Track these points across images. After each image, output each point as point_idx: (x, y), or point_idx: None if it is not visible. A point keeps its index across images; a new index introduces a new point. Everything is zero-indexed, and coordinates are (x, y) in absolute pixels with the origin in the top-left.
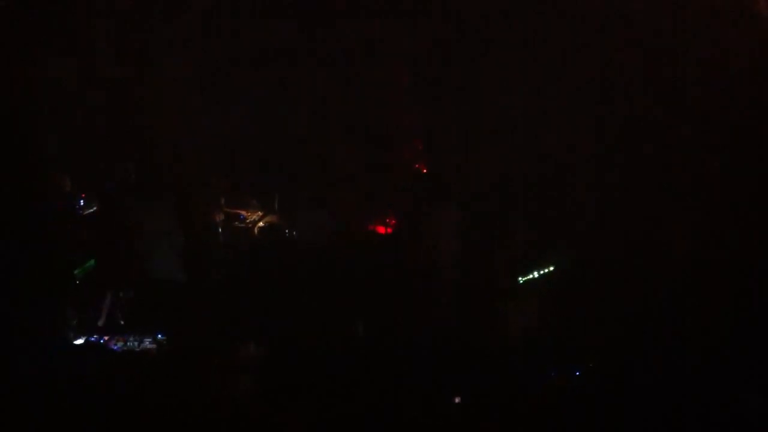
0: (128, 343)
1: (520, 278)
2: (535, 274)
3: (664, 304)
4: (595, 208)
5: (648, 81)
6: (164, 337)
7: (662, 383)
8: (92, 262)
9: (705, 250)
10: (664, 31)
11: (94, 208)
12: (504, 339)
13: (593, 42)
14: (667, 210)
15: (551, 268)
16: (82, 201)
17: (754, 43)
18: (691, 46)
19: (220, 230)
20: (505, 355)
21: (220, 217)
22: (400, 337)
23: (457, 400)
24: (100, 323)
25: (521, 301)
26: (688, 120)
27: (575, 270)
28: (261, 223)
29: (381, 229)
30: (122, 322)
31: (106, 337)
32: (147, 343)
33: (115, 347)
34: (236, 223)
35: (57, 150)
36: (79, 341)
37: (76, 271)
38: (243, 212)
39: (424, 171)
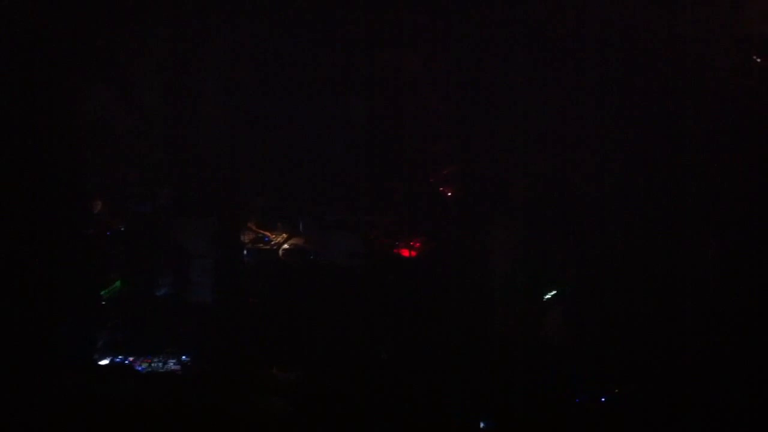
0: (153, 365)
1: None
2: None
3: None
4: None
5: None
6: (189, 359)
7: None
8: (119, 283)
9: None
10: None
11: (123, 228)
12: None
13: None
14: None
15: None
16: (111, 221)
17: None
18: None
19: (246, 252)
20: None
21: (247, 239)
22: (428, 359)
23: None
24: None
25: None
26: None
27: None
28: (286, 245)
29: (406, 252)
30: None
31: (131, 358)
32: (172, 364)
33: (140, 368)
34: (261, 245)
35: (88, 170)
36: (105, 362)
37: (103, 292)
38: (268, 234)
39: (453, 191)
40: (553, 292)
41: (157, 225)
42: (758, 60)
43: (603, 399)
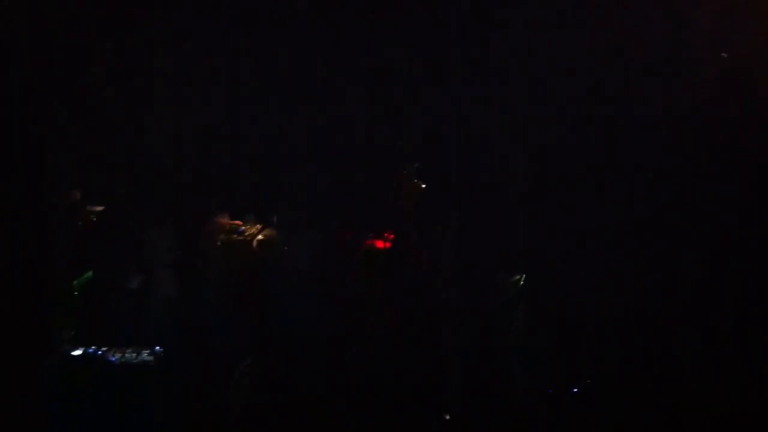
0: (126, 355)
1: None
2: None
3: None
4: (596, 216)
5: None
6: (162, 350)
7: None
8: (90, 273)
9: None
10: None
11: (94, 219)
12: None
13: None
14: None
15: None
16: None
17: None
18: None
19: (219, 242)
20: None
21: (219, 229)
22: (400, 357)
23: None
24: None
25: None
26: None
27: (572, 274)
28: (260, 236)
29: (380, 243)
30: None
31: (103, 349)
32: (145, 355)
33: (113, 359)
34: (234, 235)
35: (62, 161)
36: (77, 352)
37: (73, 282)
38: (241, 225)
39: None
40: (521, 283)
41: (127, 218)
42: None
43: (575, 390)
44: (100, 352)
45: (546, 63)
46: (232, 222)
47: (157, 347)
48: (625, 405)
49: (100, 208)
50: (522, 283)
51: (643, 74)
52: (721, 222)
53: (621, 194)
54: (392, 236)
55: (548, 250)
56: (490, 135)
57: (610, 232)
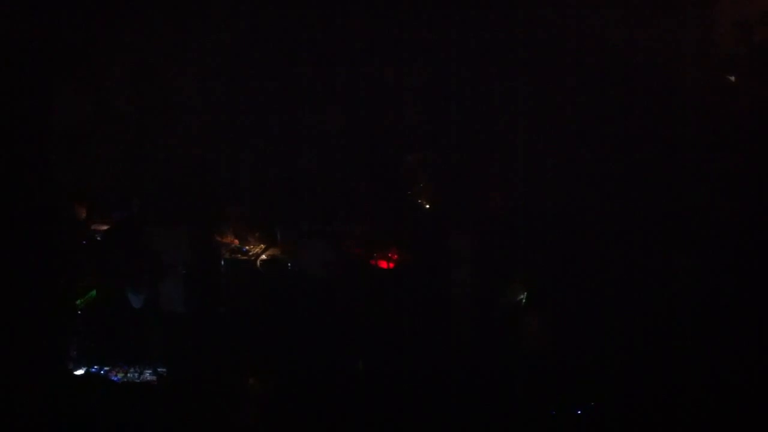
0: (129, 375)
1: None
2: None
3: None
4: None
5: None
6: (165, 370)
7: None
8: (93, 292)
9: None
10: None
11: (98, 237)
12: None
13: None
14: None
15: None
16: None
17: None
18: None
19: (222, 262)
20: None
21: (224, 249)
22: (405, 372)
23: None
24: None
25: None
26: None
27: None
28: (263, 256)
29: (384, 264)
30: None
31: (106, 368)
32: (147, 374)
33: (116, 378)
34: (238, 255)
35: (70, 176)
36: (79, 372)
37: (77, 301)
38: (245, 244)
39: (430, 200)
40: (524, 294)
41: (133, 234)
42: (732, 78)
43: (579, 411)
44: (102, 372)
45: (547, 64)
46: (235, 240)
47: (160, 367)
48: (626, 406)
49: (105, 227)
50: (528, 288)
51: (644, 77)
52: (721, 223)
53: (624, 197)
54: (397, 256)
55: (551, 254)
56: (493, 138)
57: (613, 235)
